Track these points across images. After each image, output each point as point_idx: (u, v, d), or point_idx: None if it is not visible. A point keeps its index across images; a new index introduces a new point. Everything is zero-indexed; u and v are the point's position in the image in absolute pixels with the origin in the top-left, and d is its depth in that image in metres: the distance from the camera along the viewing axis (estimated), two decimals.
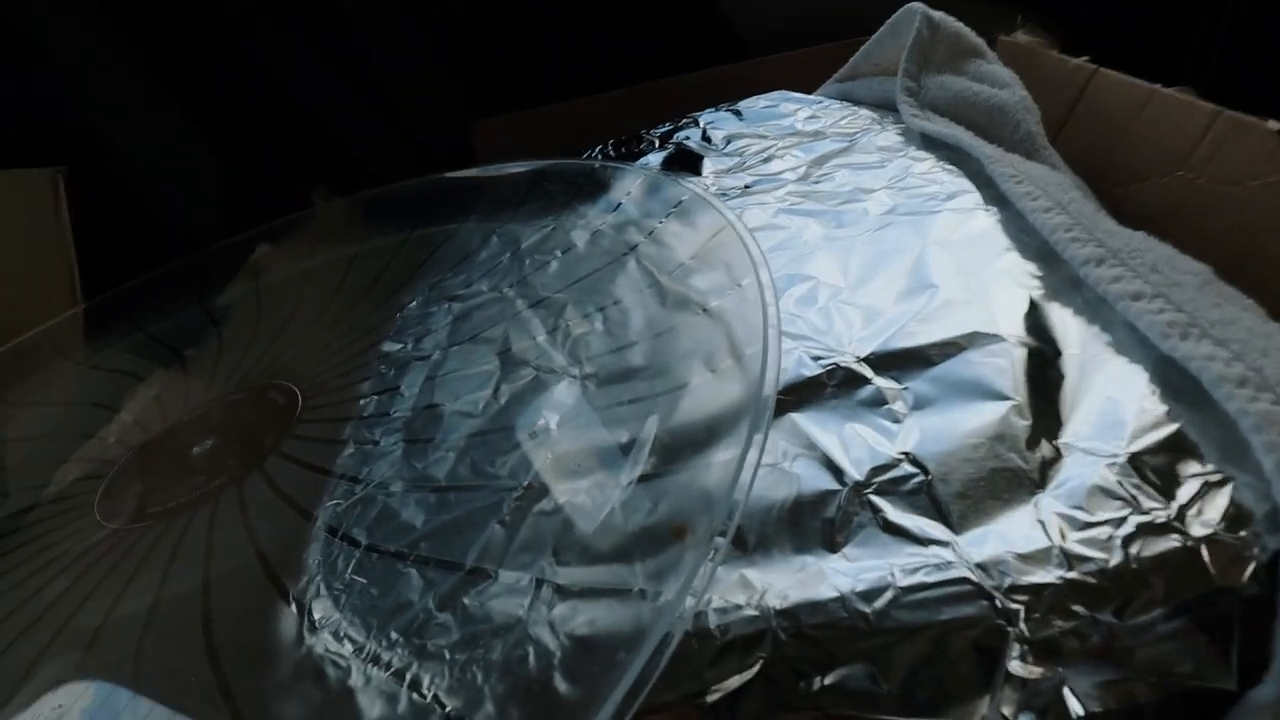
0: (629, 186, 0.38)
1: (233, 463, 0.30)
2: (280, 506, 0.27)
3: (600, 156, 0.49)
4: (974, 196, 0.32)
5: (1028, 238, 0.29)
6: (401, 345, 0.34)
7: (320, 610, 0.22)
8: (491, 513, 0.23)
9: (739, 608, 0.18)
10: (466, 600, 0.21)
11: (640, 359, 0.28)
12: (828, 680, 0.17)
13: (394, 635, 0.21)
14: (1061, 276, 0.27)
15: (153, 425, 0.36)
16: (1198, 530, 0.17)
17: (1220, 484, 0.18)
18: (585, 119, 0.59)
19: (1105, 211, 0.38)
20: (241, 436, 0.33)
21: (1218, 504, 0.18)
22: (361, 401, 0.31)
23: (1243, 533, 0.17)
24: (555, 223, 0.40)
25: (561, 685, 0.18)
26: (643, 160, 0.46)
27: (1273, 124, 0.34)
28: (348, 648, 0.21)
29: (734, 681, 0.17)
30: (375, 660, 0.20)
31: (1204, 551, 0.17)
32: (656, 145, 0.48)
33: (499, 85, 0.64)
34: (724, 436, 0.20)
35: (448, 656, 0.19)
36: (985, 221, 0.31)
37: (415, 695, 0.19)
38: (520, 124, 0.60)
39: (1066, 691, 0.16)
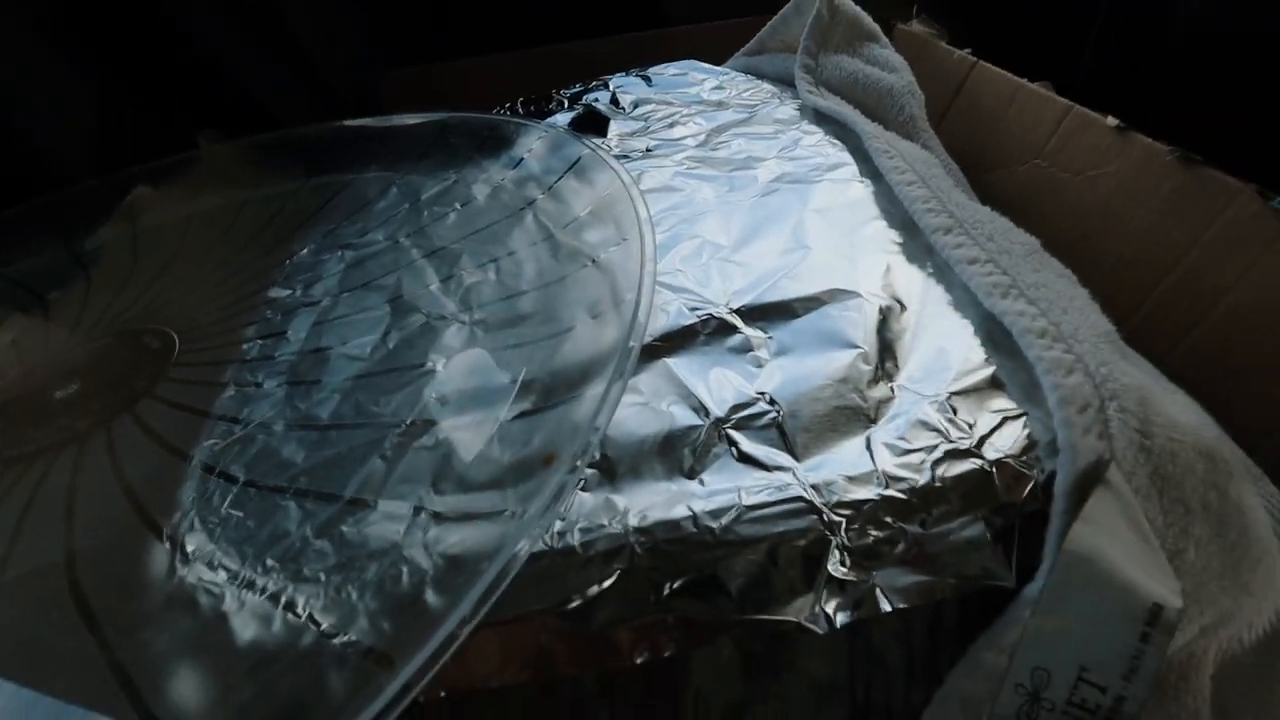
0: (531, 143, 0.39)
1: (98, 406, 0.30)
2: (152, 448, 0.27)
3: (510, 114, 0.49)
4: (852, 169, 0.35)
5: (894, 208, 0.32)
6: (290, 291, 0.34)
7: (194, 543, 0.23)
8: (373, 448, 0.24)
9: (602, 527, 0.20)
10: (344, 528, 0.22)
11: (530, 306, 0.29)
12: (676, 585, 0.19)
13: (270, 562, 0.21)
14: (919, 243, 0.30)
15: (8, 371, 0.35)
16: (991, 455, 0.20)
17: (1016, 418, 0.21)
18: (498, 76, 0.59)
19: (971, 191, 0.42)
20: (111, 381, 0.32)
21: (1012, 435, 0.21)
22: (245, 346, 0.31)
23: (1026, 458, 0.20)
24: (457, 175, 0.40)
25: (431, 598, 0.19)
26: (551, 119, 0.47)
27: (1111, 120, 0.39)
28: (221, 575, 0.21)
29: (593, 590, 0.19)
30: (250, 585, 0.21)
31: (995, 472, 0.20)
32: (566, 105, 0.49)
33: (411, 36, 0.63)
34: (595, 376, 0.22)
35: (323, 579, 0.20)
36: (860, 192, 0.33)
37: (290, 615, 0.20)
38: (431, 77, 0.60)
39: (878, 591, 0.19)
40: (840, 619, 0.19)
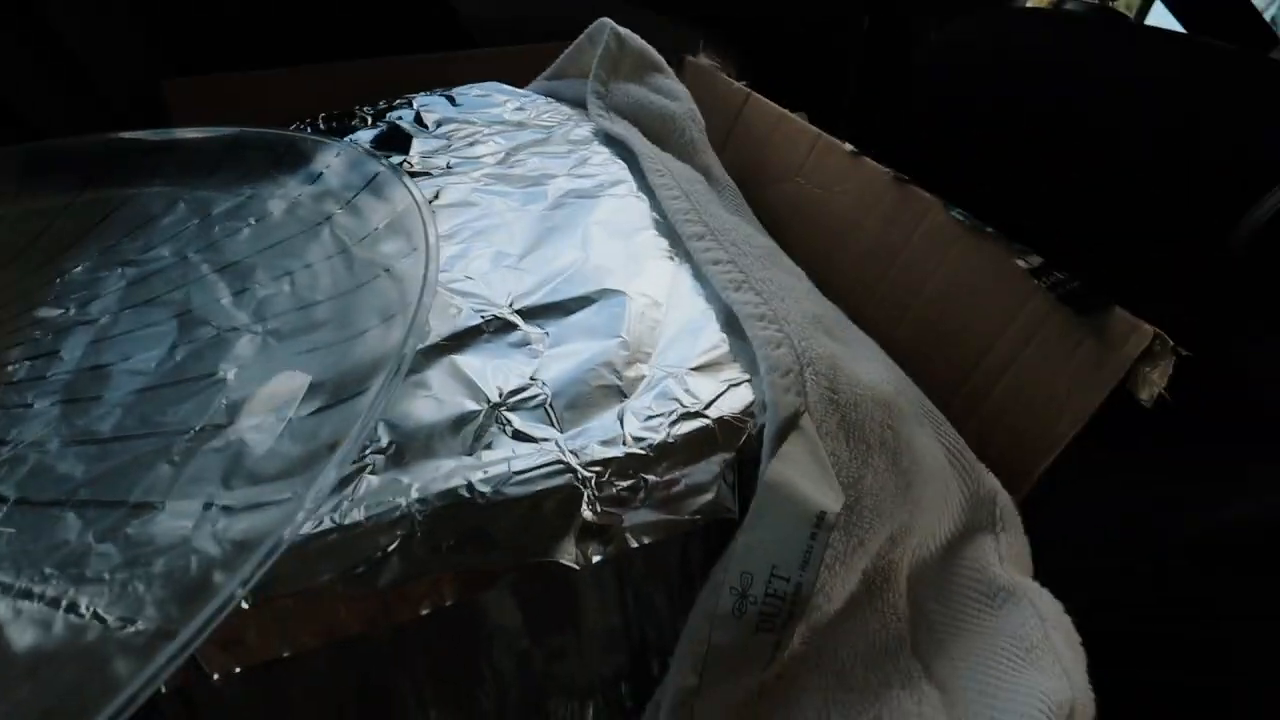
0: (329, 159, 0.41)
1: None
2: None
3: (310, 129, 0.50)
4: (630, 185, 0.41)
5: (662, 219, 0.38)
6: (63, 310, 0.34)
7: None
8: (160, 455, 0.25)
9: (387, 501, 0.23)
10: (129, 530, 0.23)
11: (325, 315, 0.31)
12: (451, 543, 0.23)
13: (48, 570, 0.22)
14: (680, 249, 0.36)
15: None
16: (714, 414, 0.26)
17: (739, 384, 0.27)
18: (296, 90, 0.59)
19: (744, 203, 0.50)
20: None
21: (736, 398, 0.27)
22: (10, 368, 0.30)
23: (743, 415, 0.26)
24: (252, 191, 0.41)
25: (219, 578, 0.21)
26: (353, 136, 0.49)
27: (848, 146, 0.48)
28: None
29: (377, 555, 0.22)
30: (26, 595, 0.22)
31: (716, 428, 0.26)
32: (369, 122, 0.51)
33: (198, 44, 0.61)
34: (379, 373, 0.25)
35: (108, 578, 0.22)
36: (635, 205, 0.39)
37: (72, 616, 0.21)
38: (219, 88, 0.59)
39: (626, 532, 0.24)
40: (595, 557, 0.24)
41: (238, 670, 0.22)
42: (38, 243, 0.39)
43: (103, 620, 0.21)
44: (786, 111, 0.54)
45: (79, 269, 0.37)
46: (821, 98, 0.71)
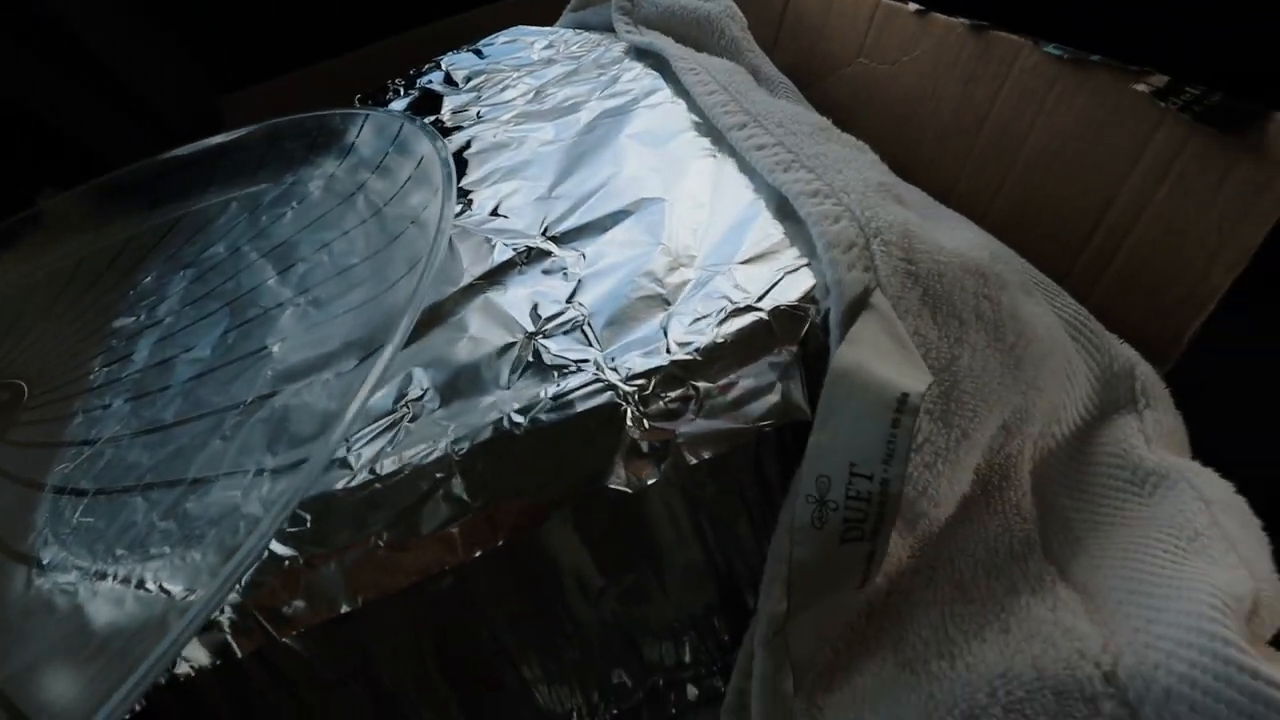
0: (358, 131, 0.41)
1: None
2: (6, 486, 0.28)
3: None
4: (665, 92, 0.38)
5: (701, 118, 0.34)
6: (135, 318, 0.35)
7: (48, 555, 0.24)
8: (212, 432, 0.25)
9: (423, 447, 0.22)
10: (188, 505, 0.23)
11: (363, 274, 0.31)
12: (491, 479, 0.21)
13: (119, 551, 0.23)
14: (723, 144, 0.32)
15: None
16: (768, 305, 0.23)
17: (796, 270, 0.24)
18: (341, 78, 0.60)
19: (804, 100, 0.45)
20: None
21: (794, 285, 0.24)
22: (91, 376, 0.32)
23: (802, 303, 0.23)
24: (294, 177, 0.42)
25: (278, 549, 0.21)
26: (390, 107, 0.48)
27: (912, 5, 0.42)
28: (74, 575, 0.23)
29: (418, 500, 0.21)
30: (101, 576, 0.22)
31: (772, 321, 0.23)
32: (402, 92, 0.50)
33: (246, 55, 0.63)
34: (399, 321, 0.24)
35: (169, 552, 0.22)
36: (671, 111, 0.36)
37: (141, 591, 0.22)
38: (271, 92, 0.61)
39: (682, 447, 0.22)
40: (650, 478, 0.21)
41: (302, 631, 0.21)
42: (115, 264, 0.42)
43: (168, 593, 0.21)
44: None
45: (148, 279, 0.38)
46: None
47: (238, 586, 0.21)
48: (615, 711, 0.27)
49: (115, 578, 0.22)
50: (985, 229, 0.35)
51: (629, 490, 0.21)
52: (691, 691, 0.28)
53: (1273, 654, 0.21)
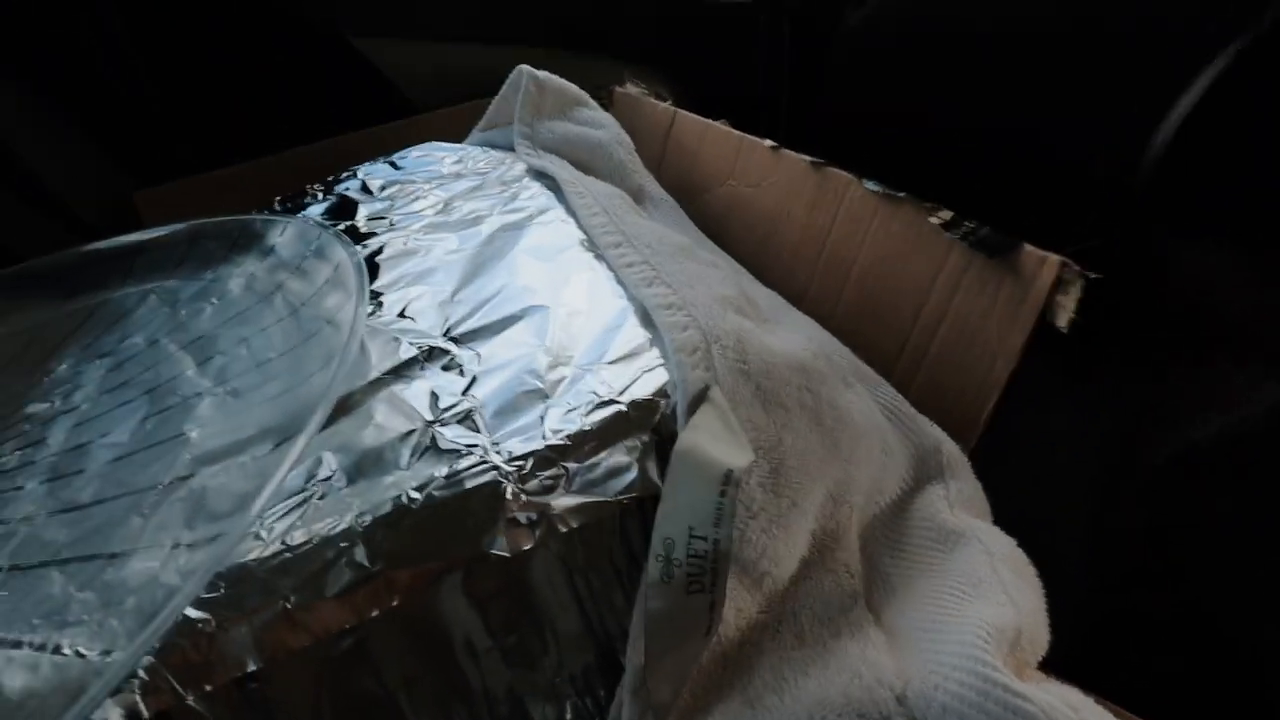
0: (279, 235, 0.45)
1: None
2: None
3: (267, 212, 0.55)
4: (558, 211, 0.44)
5: (585, 236, 0.41)
6: (49, 404, 0.38)
7: None
8: (132, 510, 0.28)
9: (330, 520, 0.26)
10: (107, 576, 0.26)
11: (279, 368, 0.35)
12: (390, 548, 0.25)
13: (35, 621, 0.25)
14: (602, 260, 0.39)
15: None
16: (627, 399, 0.29)
17: (653, 369, 0.30)
18: (256, 180, 0.64)
19: (683, 214, 0.53)
20: None
21: (650, 382, 0.30)
22: (3, 459, 0.34)
23: (657, 397, 0.29)
24: (214, 274, 0.45)
25: (192, 614, 0.24)
26: (306, 212, 0.53)
27: (768, 142, 0.51)
28: None
29: (324, 567, 0.25)
30: (16, 645, 0.25)
31: (629, 411, 0.28)
32: (320, 197, 0.55)
33: (163, 152, 0.67)
34: (314, 411, 0.28)
35: (87, 619, 0.25)
36: (561, 229, 0.42)
37: (56, 657, 0.24)
38: (186, 191, 0.64)
39: (553, 518, 0.26)
40: (526, 544, 0.26)
41: (209, 690, 0.24)
42: (28, 350, 0.44)
43: (83, 655, 0.24)
44: (711, 121, 0.57)
45: (63, 366, 0.41)
46: (753, 102, 0.75)
47: (151, 649, 0.24)
48: None
49: (31, 645, 0.24)
50: (831, 328, 0.43)
51: (508, 555, 0.26)
52: None
53: (1036, 675, 0.27)
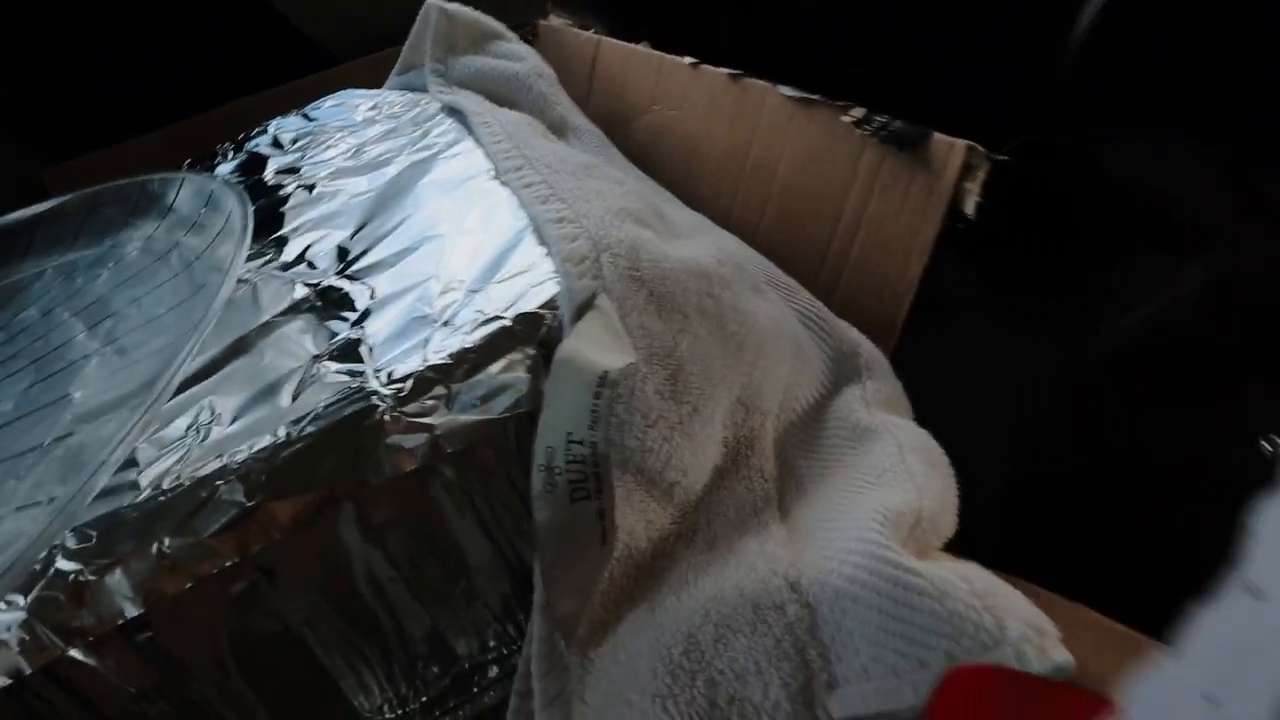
0: (174, 193, 0.44)
1: None
2: None
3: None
4: (467, 143, 0.43)
5: (492, 165, 0.40)
6: None
7: None
8: (7, 476, 0.27)
9: (207, 462, 0.25)
10: None
11: (169, 322, 0.33)
12: (264, 481, 0.24)
13: None
14: (506, 186, 0.37)
15: None
16: (509, 314, 0.28)
17: (542, 284, 0.29)
18: (171, 149, 0.62)
19: (609, 144, 0.51)
20: None
21: (536, 296, 0.29)
22: None
23: (542, 309, 0.28)
24: (113, 240, 0.44)
25: (64, 565, 0.24)
26: (216, 171, 0.51)
27: (687, 60, 0.49)
28: None
29: (197, 507, 0.24)
30: None
31: (513, 324, 0.27)
32: (230, 155, 0.53)
33: (69, 128, 0.65)
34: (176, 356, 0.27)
35: None
36: (469, 160, 0.41)
37: None
38: (99, 165, 0.62)
39: (439, 438, 0.26)
40: (408, 466, 0.25)
41: (91, 640, 0.24)
42: None
43: None
44: (635, 46, 0.55)
45: None
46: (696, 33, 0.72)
47: (22, 601, 0.23)
48: (424, 699, 0.30)
49: None
50: (757, 244, 0.42)
51: (392, 478, 0.25)
52: (494, 671, 0.31)
53: (940, 556, 0.27)
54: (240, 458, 0.25)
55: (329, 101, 0.57)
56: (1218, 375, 0.38)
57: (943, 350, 0.41)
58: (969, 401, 0.43)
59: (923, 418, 0.35)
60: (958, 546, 0.29)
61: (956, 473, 0.31)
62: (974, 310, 0.43)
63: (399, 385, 0.26)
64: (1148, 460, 0.40)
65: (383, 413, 0.25)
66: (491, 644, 0.31)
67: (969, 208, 0.33)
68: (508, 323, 0.27)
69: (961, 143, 0.34)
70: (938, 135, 0.35)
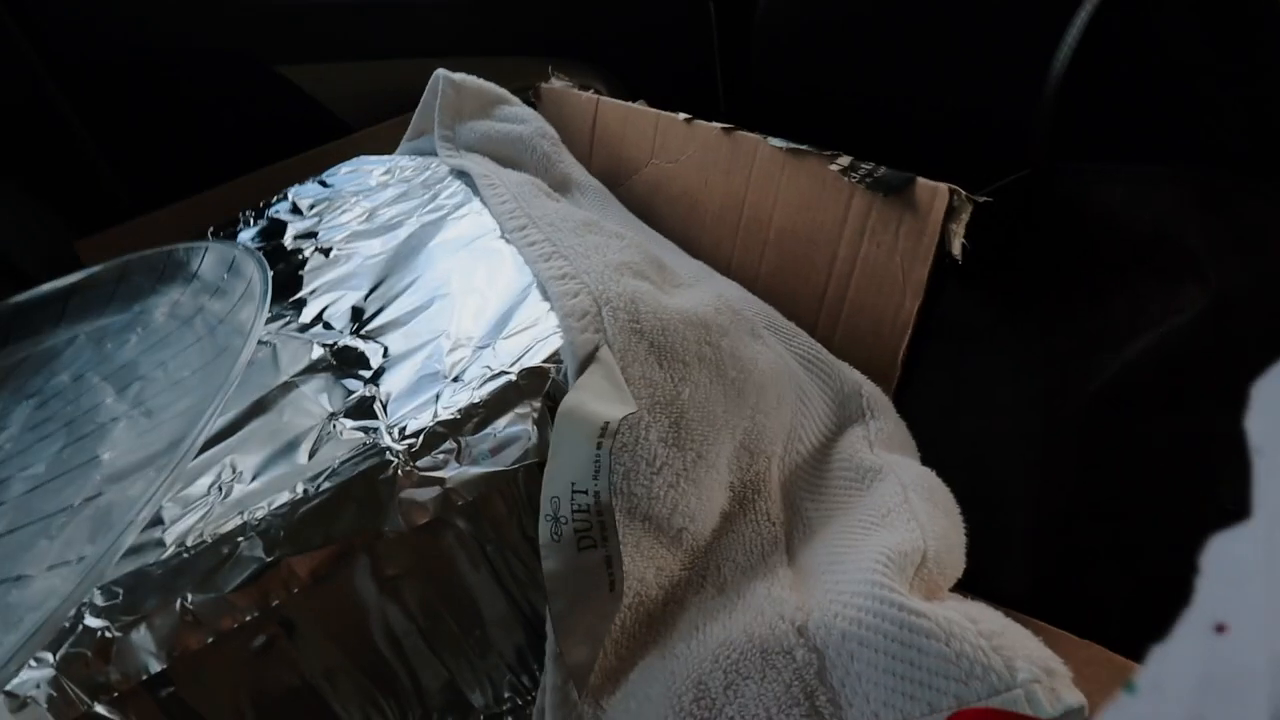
0: (200, 260, 0.46)
1: None
2: None
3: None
4: (474, 204, 0.45)
5: (498, 225, 0.41)
6: None
7: None
8: (40, 535, 0.29)
9: (229, 519, 0.26)
10: (9, 599, 0.26)
11: (193, 384, 0.35)
12: (283, 536, 0.25)
13: None
14: (511, 244, 0.39)
15: None
16: (515, 369, 0.29)
17: (547, 339, 0.30)
18: (195, 218, 0.65)
19: (611, 198, 0.53)
20: None
21: (541, 351, 0.30)
22: None
23: (546, 363, 0.29)
24: (141, 307, 0.46)
25: (92, 622, 0.25)
26: (239, 237, 0.54)
27: (682, 116, 0.51)
28: None
29: (220, 563, 0.25)
30: None
31: (518, 379, 0.28)
32: (251, 221, 0.56)
33: (100, 201, 0.68)
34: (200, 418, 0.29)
35: None
36: (476, 220, 0.43)
37: None
38: (127, 235, 0.65)
39: (449, 492, 0.26)
40: (421, 519, 0.26)
41: (117, 696, 0.24)
42: None
43: None
44: (632, 104, 0.58)
45: None
46: (695, 86, 0.75)
47: (51, 659, 0.24)
48: None
49: None
50: (757, 289, 0.43)
51: (405, 531, 0.26)
52: None
53: (948, 596, 0.27)
54: (260, 514, 0.26)
55: (344, 168, 0.60)
56: (1218, 398, 0.39)
57: (950, 385, 0.42)
58: (976, 436, 0.43)
59: (929, 456, 0.35)
60: (971, 585, 0.29)
61: (967, 509, 0.31)
62: (978, 344, 0.44)
63: (411, 440, 0.27)
64: (1153, 482, 0.40)
65: (396, 467, 0.26)
66: (506, 695, 0.31)
67: (955, 249, 0.34)
68: (513, 378, 0.29)
69: (944, 186, 0.35)
70: (921, 180, 0.36)
